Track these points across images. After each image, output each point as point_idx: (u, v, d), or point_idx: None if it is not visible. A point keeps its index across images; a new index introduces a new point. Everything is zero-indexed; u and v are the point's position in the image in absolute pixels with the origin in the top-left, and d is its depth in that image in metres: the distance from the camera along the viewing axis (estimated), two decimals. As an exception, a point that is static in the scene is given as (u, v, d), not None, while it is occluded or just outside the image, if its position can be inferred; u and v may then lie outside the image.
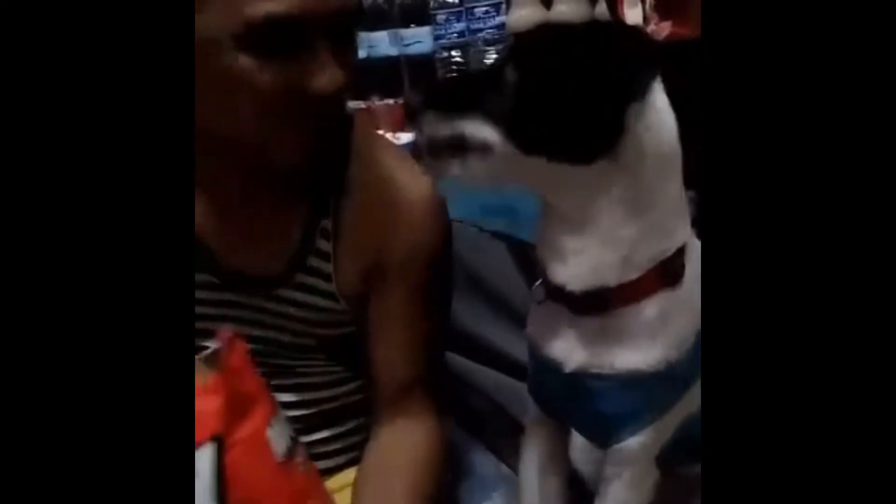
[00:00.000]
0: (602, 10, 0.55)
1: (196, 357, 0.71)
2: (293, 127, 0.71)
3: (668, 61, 0.64)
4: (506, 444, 0.92)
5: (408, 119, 0.59)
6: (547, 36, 0.59)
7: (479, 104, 0.58)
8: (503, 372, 0.99)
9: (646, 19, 0.83)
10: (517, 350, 0.95)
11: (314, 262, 0.81)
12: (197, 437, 0.63)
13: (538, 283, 0.67)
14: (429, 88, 0.62)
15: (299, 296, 0.82)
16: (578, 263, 0.61)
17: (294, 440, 0.72)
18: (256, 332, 0.82)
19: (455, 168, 0.60)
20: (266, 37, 0.66)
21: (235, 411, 0.66)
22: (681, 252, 0.62)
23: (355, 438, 0.88)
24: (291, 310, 0.82)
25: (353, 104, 2.03)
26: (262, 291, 0.82)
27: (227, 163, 0.77)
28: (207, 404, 0.65)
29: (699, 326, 0.62)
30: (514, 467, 0.87)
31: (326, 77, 0.69)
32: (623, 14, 0.83)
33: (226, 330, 0.72)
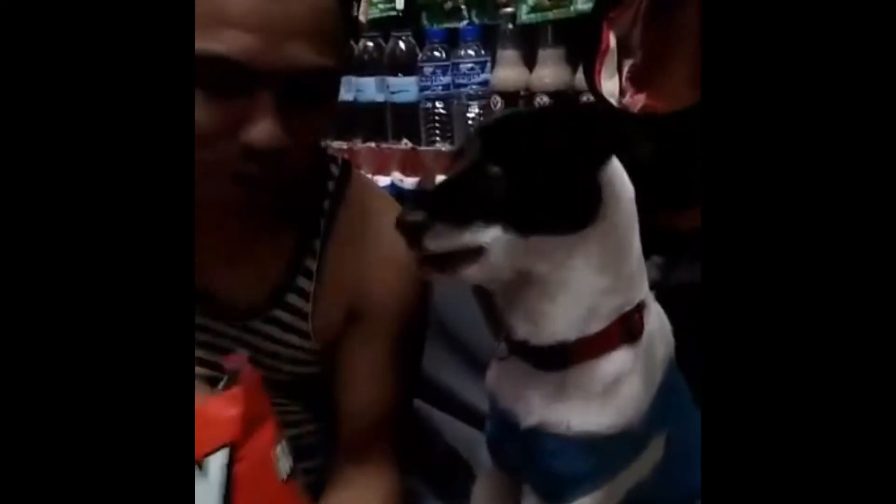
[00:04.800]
0: (579, 78, 0.58)
1: (197, 375, 0.71)
2: (221, 171, 0.70)
3: (642, 131, 0.67)
4: (457, 492, 0.92)
5: (408, 239, 0.58)
6: (514, 123, 0.63)
7: (478, 207, 0.58)
8: (462, 419, 1.00)
9: (622, 91, 0.87)
10: (477, 398, 0.96)
11: (293, 299, 0.82)
12: (211, 443, 0.63)
13: (501, 341, 0.68)
14: (425, 202, 0.60)
15: (273, 331, 0.82)
16: (546, 322, 0.62)
17: (294, 466, 0.73)
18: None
19: (458, 275, 0.60)
20: (206, 74, 0.65)
21: (247, 427, 0.67)
22: (640, 307, 0.64)
23: (307, 479, 0.87)
24: (264, 343, 0.82)
25: (336, 144, 2.05)
26: (237, 321, 0.82)
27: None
28: (224, 412, 0.65)
29: (656, 387, 0.64)
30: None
31: (261, 130, 0.67)
32: (600, 85, 0.87)
33: (238, 355, 0.73)
